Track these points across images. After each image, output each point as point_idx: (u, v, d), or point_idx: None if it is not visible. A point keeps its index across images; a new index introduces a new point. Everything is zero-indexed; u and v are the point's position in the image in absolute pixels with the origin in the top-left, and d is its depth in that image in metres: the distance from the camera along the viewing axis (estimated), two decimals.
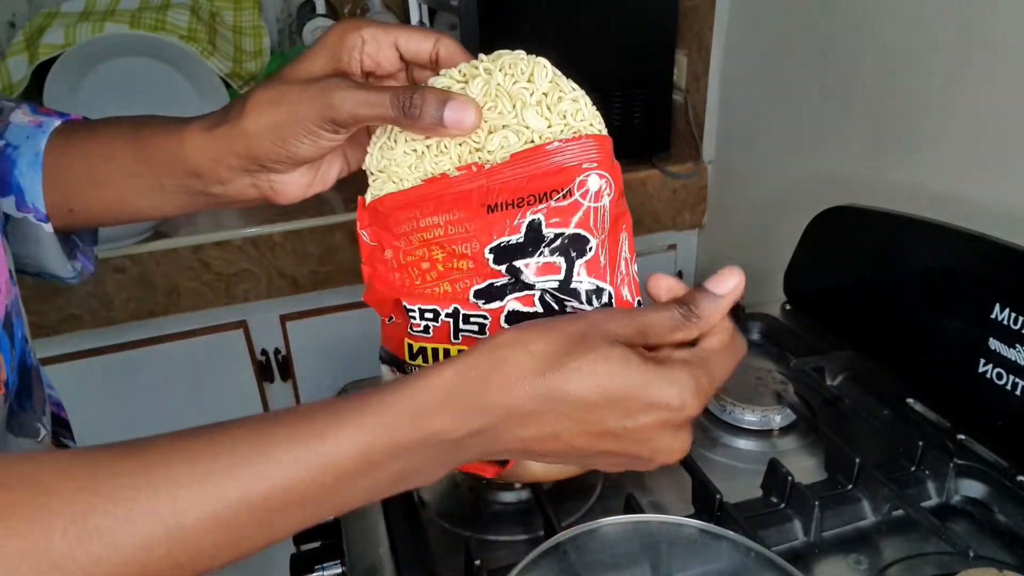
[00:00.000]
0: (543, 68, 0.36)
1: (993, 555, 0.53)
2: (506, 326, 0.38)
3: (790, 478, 0.56)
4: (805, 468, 0.62)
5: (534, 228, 0.36)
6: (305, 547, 0.62)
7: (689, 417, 0.32)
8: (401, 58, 0.40)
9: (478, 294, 0.38)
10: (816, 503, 0.54)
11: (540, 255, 0.36)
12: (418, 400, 0.29)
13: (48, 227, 0.43)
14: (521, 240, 0.36)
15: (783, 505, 0.56)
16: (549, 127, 0.36)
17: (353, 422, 0.28)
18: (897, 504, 0.55)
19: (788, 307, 0.85)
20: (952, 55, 0.71)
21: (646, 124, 1.12)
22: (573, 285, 0.37)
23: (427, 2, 1.30)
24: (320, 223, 1.01)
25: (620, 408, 0.30)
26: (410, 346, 0.41)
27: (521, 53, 0.37)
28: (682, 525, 0.44)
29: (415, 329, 0.40)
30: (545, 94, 0.36)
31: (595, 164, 0.35)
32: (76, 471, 0.26)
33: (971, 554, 0.50)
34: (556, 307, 0.38)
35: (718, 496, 0.54)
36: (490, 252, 0.37)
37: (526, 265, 0.36)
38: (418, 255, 0.39)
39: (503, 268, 0.37)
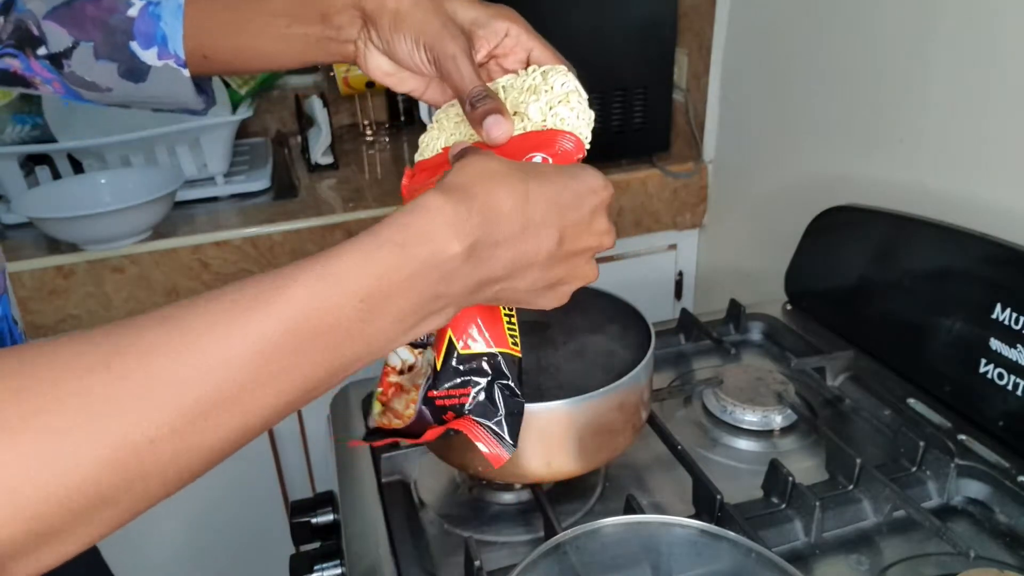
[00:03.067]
0: (564, 78, 0.43)
1: (994, 556, 0.53)
2: None
3: (791, 479, 0.56)
4: (806, 468, 0.62)
5: None
6: (304, 547, 0.62)
7: (611, 197, 0.38)
8: (527, 61, 0.47)
9: None
10: (817, 504, 0.54)
11: None
12: (415, 224, 0.31)
13: (186, 72, 0.49)
14: None
15: (784, 506, 0.56)
16: (543, 121, 0.41)
17: (358, 252, 0.30)
18: (898, 505, 0.55)
19: (789, 307, 0.85)
20: (953, 55, 0.71)
21: (646, 123, 1.12)
22: None
23: None
24: (319, 223, 1.01)
25: (574, 195, 0.36)
26: None
27: (563, 68, 0.44)
28: (683, 526, 0.44)
29: None
30: (554, 99, 0.42)
31: (550, 151, 0.40)
32: (109, 335, 0.26)
33: (972, 555, 0.50)
34: None
35: (719, 497, 0.54)
36: None
37: None
38: None
39: None
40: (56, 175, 1.07)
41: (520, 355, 0.42)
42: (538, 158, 0.39)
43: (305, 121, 1.25)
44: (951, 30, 0.71)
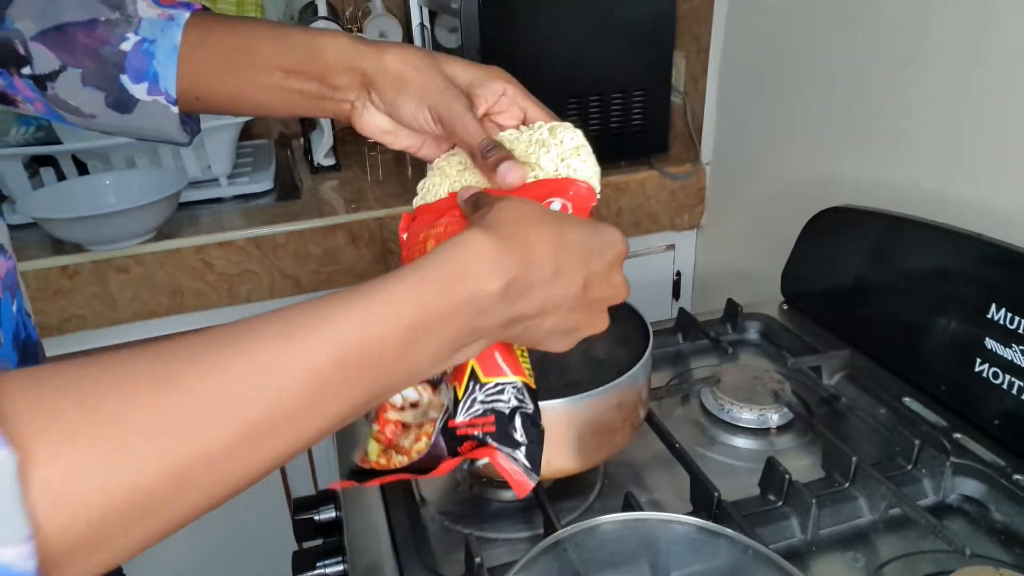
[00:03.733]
0: (572, 133, 0.45)
1: (989, 553, 0.53)
2: None
3: (787, 476, 0.56)
4: (802, 466, 0.63)
5: None
6: (307, 544, 0.62)
7: (626, 252, 0.40)
8: (522, 120, 0.48)
9: None
10: (813, 501, 0.54)
11: None
12: (458, 260, 0.33)
13: (175, 109, 0.49)
14: None
15: (780, 503, 0.57)
16: (556, 171, 0.43)
17: (403, 285, 0.31)
18: (894, 502, 0.55)
19: (786, 307, 0.85)
20: (948, 56, 0.72)
21: (645, 125, 1.12)
22: None
23: (428, 5, 1.30)
24: (322, 224, 1.02)
25: (599, 246, 0.38)
26: None
27: (568, 125, 0.46)
28: (680, 523, 0.44)
29: None
30: (565, 151, 0.44)
31: (567, 196, 0.42)
32: (172, 351, 0.27)
33: (968, 552, 0.50)
34: None
35: (716, 494, 0.55)
36: None
37: None
38: (421, 243, 0.45)
39: None
40: (61, 176, 1.08)
41: (535, 387, 0.43)
42: (556, 203, 0.41)
43: (308, 123, 1.26)
44: (946, 31, 0.71)
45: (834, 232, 0.79)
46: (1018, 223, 0.66)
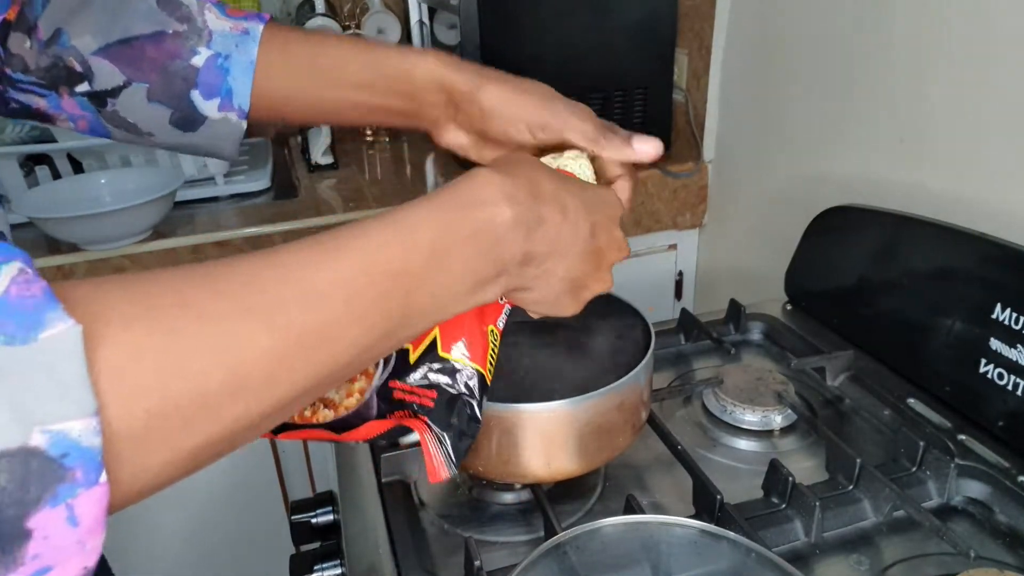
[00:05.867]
0: (584, 160, 0.47)
1: (994, 555, 0.53)
2: None
3: (791, 478, 0.56)
4: (806, 468, 0.62)
5: None
6: (305, 547, 0.62)
7: (620, 212, 0.43)
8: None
9: None
10: (817, 504, 0.54)
11: None
12: (472, 190, 0.35)
13: (244, 123, 0.48)
14: None
15: (784, 506, 0.56)
16: None
17: (422, 210, 0.34)
18: (898, 505, 0.55)
19: (789, 307, 0.85)
20: (953, 54, 0.71)
21: (646, 123, 1.12)
22: None
23: (427, 2, 1.29)
24: (319, 223, 1.01)
25: (599, 199, 0.41)
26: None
27: (575, 152, 0.47)
28: (682, 526, 0.44)
29: None
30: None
31: None
32: (239, 261, 0.29)
33: (972, 554, 0.50)
34: None
35: (719, 497, 0.54)
36: None
37: None
38: None
39: None
40: (56, 175, 1.07)
41: (490, 384, 0.42)
42: None
43: None
44: (951, 30, 0.71)
45: (838, 232, 0.79)
46: (1023, 223, 0.65)
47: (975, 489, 0.58)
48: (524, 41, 1.02)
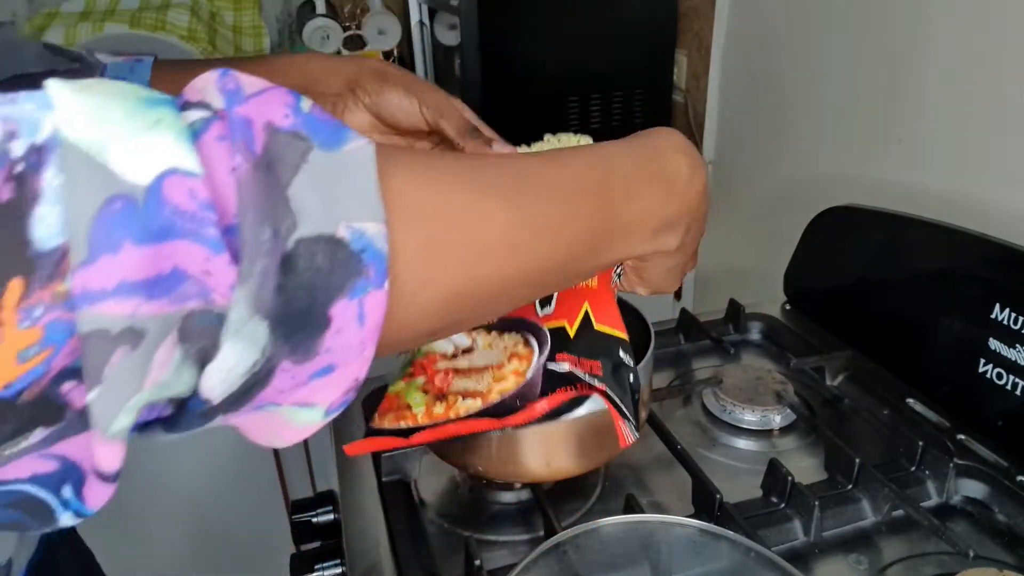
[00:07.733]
0: (582, 138, 0.46)
1: (993, 555, 0.53)
2: None
3: (790, 478, 0.56)
4: (805, 468, 0.62)
5: None
6: (305, 547, 0.62)
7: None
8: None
9: None
10: (816, 503, 0.54)
11: None
12: (656, 143, 0.38)
13: None
14: None
15: (783, 505, 0.56)
16: None
17: (619, 147, 0.37)
18: (897, 504, 0.55)
19: (788, 307, 0.85)
20: (952, 55, 0.71)
21: (646, 124, 1.11)
22: None
23: (427, 2, 1.30)
24: None
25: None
26: None
27: (571, 134, 0.48)
28: (682, 525, 0.44)
29: None
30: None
31: None
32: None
33: (971, 554, 0.50)
34: None
35: (718, 496, 0.54)
36: None
37: None
38: None
39: None
40: None
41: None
42: None
43: None
44: (950, 30, 0.71)
45: (837, 232, 0.79)
46: (1023, 223, 0.65)
47: (974, 489, 0.58)
48: (524, 41, 1.02)
